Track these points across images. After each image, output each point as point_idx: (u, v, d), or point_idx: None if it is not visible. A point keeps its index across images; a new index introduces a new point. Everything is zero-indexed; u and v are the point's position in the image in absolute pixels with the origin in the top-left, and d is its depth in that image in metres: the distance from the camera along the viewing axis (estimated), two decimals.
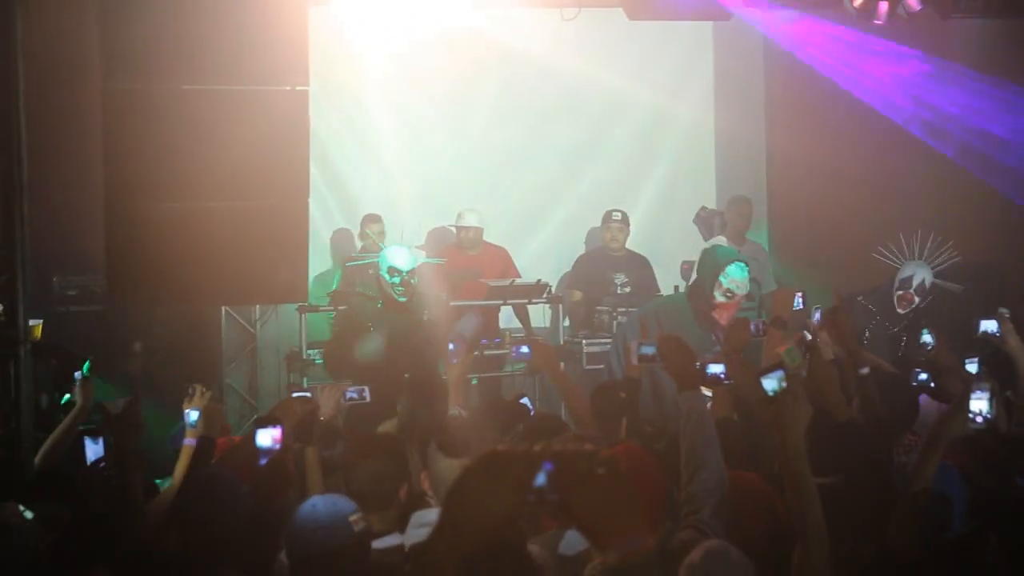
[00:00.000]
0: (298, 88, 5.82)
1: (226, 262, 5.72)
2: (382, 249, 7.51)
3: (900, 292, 7.67)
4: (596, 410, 5.49)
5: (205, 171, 5.59)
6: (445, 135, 10.02)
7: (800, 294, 6.35)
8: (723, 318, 6.44)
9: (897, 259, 8.04)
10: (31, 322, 6.14)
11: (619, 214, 9.03)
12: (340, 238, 9.68)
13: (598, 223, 9.44)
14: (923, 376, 5.41)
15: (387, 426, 5.56)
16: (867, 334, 7.49)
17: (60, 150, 7.61)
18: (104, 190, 5.60)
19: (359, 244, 9.15)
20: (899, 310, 7.67)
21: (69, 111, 7.50)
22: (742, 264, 6.51)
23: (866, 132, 9.54)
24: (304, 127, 5.81)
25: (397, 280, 7.04)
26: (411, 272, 7.11)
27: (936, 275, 7.84)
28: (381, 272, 7.13)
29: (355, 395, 5.48)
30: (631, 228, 9.22)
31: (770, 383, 3.66)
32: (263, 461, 3.24)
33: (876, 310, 7.75)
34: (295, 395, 5.33)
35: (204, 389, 5.59)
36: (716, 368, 4.04)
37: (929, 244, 8.06)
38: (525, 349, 5.90)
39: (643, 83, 10.26)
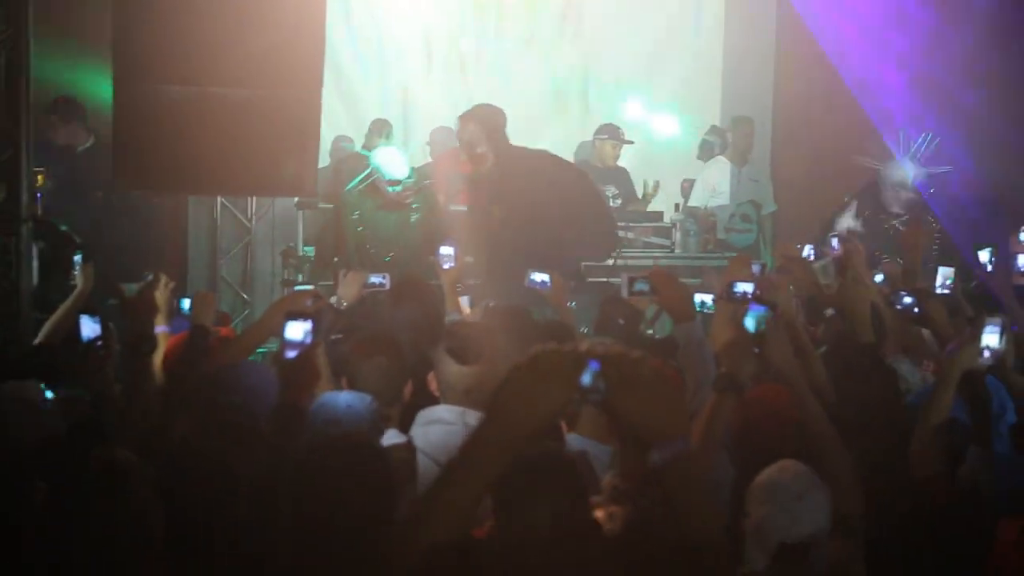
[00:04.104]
0: None
1: (234, 151, 5.63)
2: (370, 155, 7.40)
3: (902, 194, 7.72)
4: (599, 321, 5.50)
5: (218, 56, 5.47)
6: (450, 40, 9.87)
7: (812, 246, 6.17)
8: None
9: (877, 160, 8.09)
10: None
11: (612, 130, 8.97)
12: (340, 146, 9.56)
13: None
14: (908, 300, 5.35)
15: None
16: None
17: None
18: (113, 69, 5.47)
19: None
20: (900, 210, 7.70)
21: None
22: None
23: (874, 59, 9.44)
24: (321, 17, 5.69)
25: (399, 188, 6.95)
26: (411, 178, 7.04)
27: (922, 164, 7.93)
28: (381, 177, 7.05)
29: (377, 281, 5.37)
30: (635, 144, 9.15)
31: (751, 321, 3.60)
32: (292, 354, 3.19)
33: (866, 205, 7.76)
34: (298, 288, 5.25)
35: (167, 280, 5.51)
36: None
37: (919, 141, 8.11)
38: (546, 279, 5.68)
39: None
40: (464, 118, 7.45)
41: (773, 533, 2.92)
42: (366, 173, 7.22)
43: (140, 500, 2.70)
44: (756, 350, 3.33)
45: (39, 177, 6.73)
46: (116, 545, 2.63)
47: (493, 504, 2.46)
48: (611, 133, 9.13)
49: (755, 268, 5.56)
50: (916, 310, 5.18)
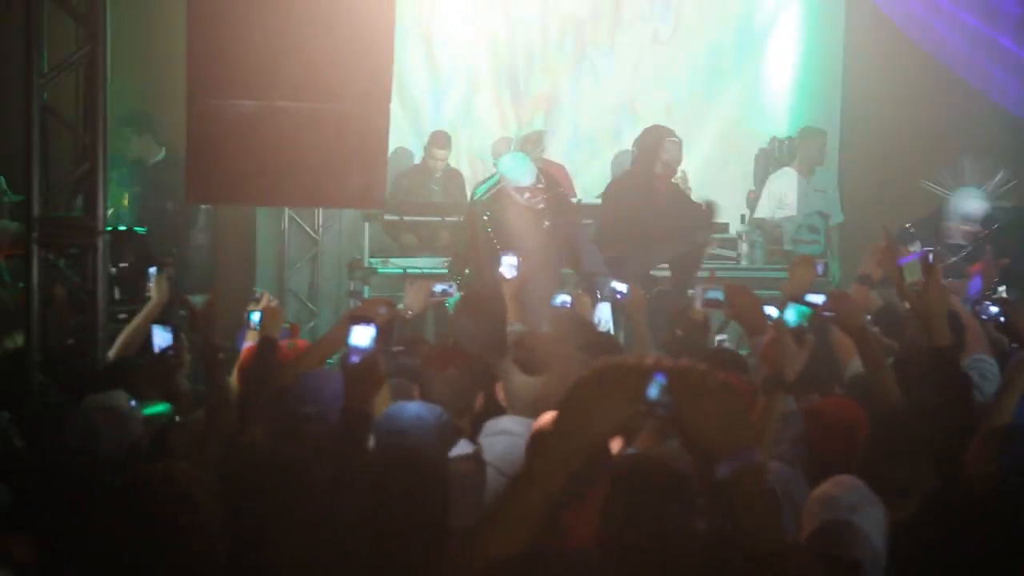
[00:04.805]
0: None
1: (303, 163, 5.68)
2: (496, 168, 7.38)
3: (965, 227, 7.56)
4: (666, 334, 5.51)
5: (289, 71, 5.53)
6: (511, 49, 9.93)
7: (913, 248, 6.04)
8: None
9: (946, 188, 7.95)
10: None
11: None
12: (399, 158, 9.63)
13: None
14: (994, 310, 5.27)
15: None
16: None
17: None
18: (187, 85, 5.57)
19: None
20: (962, 242, 7.54)
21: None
22: None
23: (946, 78, 9.33)
24: (389, 29, 5.72)
25: (528, 195, 6.89)
26: (540, 183, 6.98)
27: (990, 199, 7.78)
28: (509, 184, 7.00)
29: (444, 289, 5.35)
30: (701, 155, 9.13)
31: (791, 315, 3.60)
32: (354, 359, 3.23)
33: (932, 239, 7.52)
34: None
35: (271, 296, 5.61)
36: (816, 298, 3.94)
37: (982, 169, 7.98)
38: (624, 289, 5.64)
39: (723, 9, 10.08)
40: (673, 137, 7.64)
41: (826, 547, 2.89)
42: (495, 180, 7.21)
43: (179, 515, 2.68)
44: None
45: (123, 202, 6.93)
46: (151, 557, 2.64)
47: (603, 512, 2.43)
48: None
49: (819, 268, 5.53)
50: (1002, 320, 5.13)
